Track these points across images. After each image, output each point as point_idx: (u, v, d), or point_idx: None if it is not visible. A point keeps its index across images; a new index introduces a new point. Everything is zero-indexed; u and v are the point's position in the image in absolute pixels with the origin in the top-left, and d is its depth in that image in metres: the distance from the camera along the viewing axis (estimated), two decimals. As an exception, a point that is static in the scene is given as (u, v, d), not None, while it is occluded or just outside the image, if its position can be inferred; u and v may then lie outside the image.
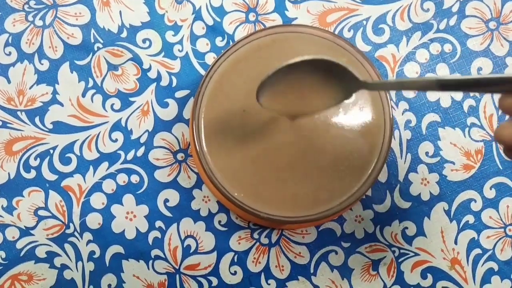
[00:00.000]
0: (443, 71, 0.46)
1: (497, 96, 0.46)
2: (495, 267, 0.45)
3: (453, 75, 0.28)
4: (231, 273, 0.45)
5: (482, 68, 0.46)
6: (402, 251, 0.45)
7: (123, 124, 0.45)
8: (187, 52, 0.46)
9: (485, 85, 0.26)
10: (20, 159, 0.44)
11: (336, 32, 0.46)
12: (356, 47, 0.39)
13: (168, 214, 0.45)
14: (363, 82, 0.31)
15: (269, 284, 0.45)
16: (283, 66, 0.31)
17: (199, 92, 0.38)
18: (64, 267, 0.44)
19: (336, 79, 0.32)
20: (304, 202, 0.39)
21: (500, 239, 0.46)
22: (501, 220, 0.46)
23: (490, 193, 0.46)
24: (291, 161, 0.39)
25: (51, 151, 0.44)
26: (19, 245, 0.44)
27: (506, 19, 0.47)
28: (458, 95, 0.46)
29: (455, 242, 0.45)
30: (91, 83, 0.45)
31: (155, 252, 0.44)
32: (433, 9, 0.47)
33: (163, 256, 0.44)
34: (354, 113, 0.39)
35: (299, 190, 0.39)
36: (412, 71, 0.46)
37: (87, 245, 0.44)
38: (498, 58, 0.46)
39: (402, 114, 0.46)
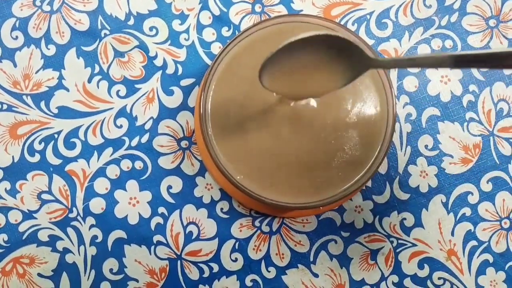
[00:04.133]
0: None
1: (496, 91, 0.47)
2: (490, 259, 0.46)
3: (467, 51, 0.26)
4: (232, 259, 0.45)
5: (482, 64, 0.47)
6: (400, 241, 0.46)
7: (128, 111, 0.45)
8: (193, 41, 0.46)
9: (499, 59, 0.25)
10: (24, 143, 0.45)
11: (340, 26, 0.47)
12: (361, 38, 0.39)
13: (171, 200, 0.45)
14: (373, 60, 0.29)
15: (269, 272, 0.45)
16: (285, 45, 0.29)
17: (207, 77, 0.39)
18: (66, 251, 0.44)
19: (343, 58, 0.29)
20: (306, 189, 0.40)
21: (495, 231, 0.47)
22: (497, 213, 0.47)
23: (486, 187, 0.47)
24: (294, 148, 0.40)
25: (56, 135, 0.45)
26: (21, 228, 0.44)
27: (506, 17, 0.48)
28: (458, 90, 0.47)
29: (452, 234, 0.46)
30: (97, 69, 0.45)
31: (157, 237, 0.45)
32: (435, 5, 0.48)
33: (165, 242, 0.45)
34: (358, 104, 0.40)
35: (301, 177, 0.40)
36: (413, 66, 0.47)
37: (89, 229, 0.44)
38: (497, 55, 0.47)
39: (403, 107, 0.47)
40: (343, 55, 0.29)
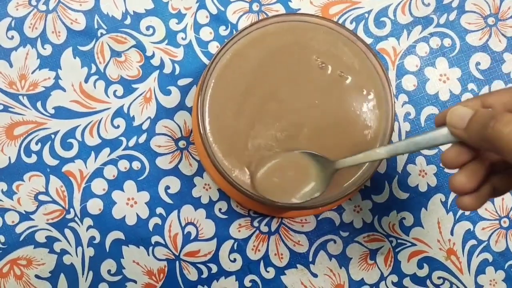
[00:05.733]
0: (442, 65, 0.47)
1: (495, 89, 0.47)
2: (490, 258, 0.46)
3: (395, 143, 0.33)
4: (230, 260, 0.45)
5: (480, 63, 0.47)
6: (399, 241, 0.46)
7: (126, 111, 0.45)
8: (190, 40, 0.46)
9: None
10: (21, 144, 0.44)
11: (339, 24, 0.46)
12: (359, 37, 0.39)
13: (169, 201, 0.45)
14: (335, 162, 0.36)
15: (268, 272, 0.45)
16: (275, 162, 0.38)
17: (205, 76, 0.38)
18: (63, 252, 0.44)
19: (319, 167, 0.38)
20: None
21: (495, 230, 0.46)
22: (496, 212, 0.47)
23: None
24: (292, 148, 0.39)
25: (53, 136, 0.44)
26: (18, 229, 0.44)
27: (505, 15, 0.48)
28: (456, 89, 0.47)
29: (451, 233, 0.46)
30: (94, 69, 0.45)
31: (155, 238, 0.44)
32: (434, 3, 0.47)
33: (163, 242, 0.45)
34: (356, 103, 0.40)
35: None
36: (412, 64, 0.47)
37: (87, 230, 0.44)
38: (496, 54, 0.47)
39: (402, 106, 0.47)
40: (318, 164, 0.38)
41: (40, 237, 0.44)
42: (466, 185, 0.29)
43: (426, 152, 0.46)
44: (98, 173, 0.44)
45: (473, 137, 0.28)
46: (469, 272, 0.46)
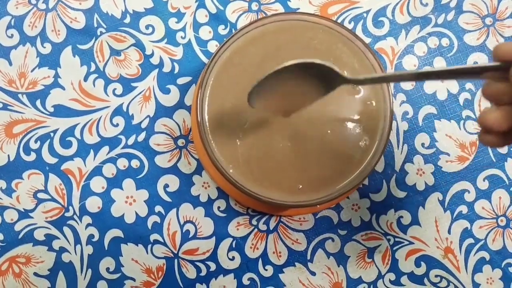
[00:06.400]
0: (440, 64, 0.47)
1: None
2: (487, 256, 0.46)
3: (431, 68, 0.30)
4: (229, 258, 0.45)
5: (478, 62, 0.47)
6: (397, 239, 0.46)
7: (125, 109, 0.45)
8: (189, 39, 0.46)
9: (455, 74, 0.28)
10: (20, 142, 0.44)
11: (337, 24, 0.47)
12: (358, 37, 0.39)
13: (167, 199, 0.45)
14: (345, 78, 0.33)
15: (266, 270, 0.45)
16: (271, 73, 0.33)
17: (204, 75, 0.38)
18: (62, 250, 0.44)
19: (321, 76, 0.33)
20: (303, 187, 0.40)
21: (492, 229, 0.47)
22: (493, 211, 0.47)
23: (483, 185, 0.47)
24: (291, 146, 0.40)
25: (52, 134, 0.44)
26: (17, 227, 0.44)
27: (502, 16, 0.48)
28: (454, 89, 0.47)
29: (449, 232, 0.46)
30: (93, 68, 0.45)
31: (154, 236, 0.45)
32: (432, 3, 0.48)
33: (162, 240, 0.45)
34: (355, 104, 0.40)
35: (298, 176, 0.40)
36: (410, 64, 0.47)
37: (86, 228, 0.44)
38: (494, 53, 0.48)
39: (400, 105, 0.47)
40: (321, 73, 0.33)
41: (39, 235, 0.44)
42: (500, 124, 0.27)
43: (423, 151, 0.47)
44: (97, 171, 0.45)
45: None
46: (466, 271, 0.46)
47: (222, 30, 0.46)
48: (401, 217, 0.46)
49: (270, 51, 0.40)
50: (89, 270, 0.44)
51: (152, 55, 0.46)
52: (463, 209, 0.47)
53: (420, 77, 0.29)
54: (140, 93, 0.45)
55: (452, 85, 0.47)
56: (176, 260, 0.45)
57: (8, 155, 0.44)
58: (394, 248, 0.46)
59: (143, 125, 0.45)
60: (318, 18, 0.40)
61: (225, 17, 0.46)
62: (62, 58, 0.45)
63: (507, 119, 0.28)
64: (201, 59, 0.46)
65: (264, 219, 0.46)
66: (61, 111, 0.45)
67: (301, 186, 0.39)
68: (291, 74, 0.33)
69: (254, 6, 0.47)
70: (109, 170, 0.45)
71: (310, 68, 0.33)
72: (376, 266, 0.46)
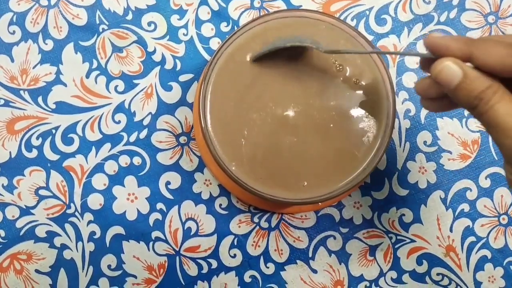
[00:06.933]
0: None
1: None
2: (489, 254, 0.46)
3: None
4: (230, 256, 0.45)
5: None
6: (398, 237, 0.46)
7: (127, 106, 0.45)
8: (192, 36, 0.46)
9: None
10: (22, 138, 0.44)
11: (339, 21, 0.46)
12: (361, 33, 0.39)
13: (169, 196, 0.45)
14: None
15: (268, 268, 0.45)
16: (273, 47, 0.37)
17: (206, 72, 0.38)
18: (64, 247, 0.44)
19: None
20: (306, 184, 0.40)
21: (494, 227, 0.47)
22: (495, 209, 0.47)
23: (485, 183, 0.47)
24: (293, 144, 0.39)
25: (53, 131, 0.44)
26: (19, 224, 0.44)
27: (505, 14, 0.48)
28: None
29: (451, 230, 0.46)
30: (95, 64, 0.45)
31: (155, 233, 0.45)
32: (435, 1, 0.48)
33: (163, 238, 0.45)
34: (357, 102, 0.40)
35: (300, 173, 0.40)
36: (412, 62, 0.47)
37: (87, 225, 0.44)
38: (496, 52, 0.48)
39: (402, 103, 0.47)
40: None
41: (41, 231, 0.44)
42: (427, 92, 0.31)
43: (426, 149, 0.47)
44: (98, 168, 0.45)
45: (460, 100, 0.28)
46: (468, 269, 0.46)
47: (224, 27, 0.46)
48: (403, 215, 0.46)
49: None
50: (91, 267, 0.44)
51: (154, 52, 0.46)
52: (465, 207, 0.47)
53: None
54: (142, 90, 0.45)
55: (455, 83, 0.47)
56: (177, 258, 0.45)
57: (10, 152, 0.44)
58: (396, 246, 0.46)
59: (145, 122, 0.45)
60: (320, 15, 0.40)
61: (227, 14, 0.46)
62: (64, 55, 0.45)
63: (431, 87, 0.30)
64: (203, 56, 0.46)
65: (265, 216, 0.46)
66: (63, 108, 0.45)
67: (305, 183, 0.39)
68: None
69: (257, 3, 0.47)
70: (111, 167, 0.45)
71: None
72: (378, 264, 0.46)
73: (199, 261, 0.45)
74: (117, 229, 0.44)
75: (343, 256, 0.46)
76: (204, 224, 0.45)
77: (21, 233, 0.44)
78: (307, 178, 0.40)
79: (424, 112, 0.47)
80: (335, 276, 0.46)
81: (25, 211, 0.44)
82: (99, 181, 0.44)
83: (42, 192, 0.44)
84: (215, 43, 0.46)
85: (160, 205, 0.45)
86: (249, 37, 0.39)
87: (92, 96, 0.45)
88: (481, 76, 0.27)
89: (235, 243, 0.45)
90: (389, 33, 0.47)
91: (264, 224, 0.46)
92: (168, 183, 0.45)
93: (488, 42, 0.28)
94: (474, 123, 0.47)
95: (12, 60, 0.45)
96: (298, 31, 0.40)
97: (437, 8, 0.48)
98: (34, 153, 0.44)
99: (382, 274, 0.46)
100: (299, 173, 0.40)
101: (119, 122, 0.45)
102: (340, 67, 0.40)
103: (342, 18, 0.47)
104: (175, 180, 0.45)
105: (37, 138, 0.44)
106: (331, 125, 0.40)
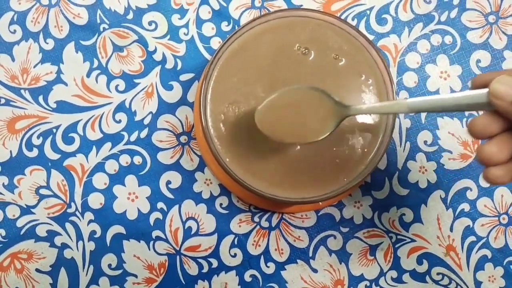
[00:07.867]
0: (443, 62, 0.47)
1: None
2: (489, 254, 0.46)
3: (422, 98, 0.30)
4: (231, 255, 0.45)
5: (481, 60, 0.47)
6: (399, 237, 0.46)
7: (127, 106, 0.45)
8: (192, 36, 0.46)
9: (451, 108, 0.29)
10: (22, 138, 0.44)
11: (340, 21, 0.46)
12: (361, 33, 0.39)
13: (170, 195, 0.45)
14: (348, 108, 0.34)
15: (268, 267, 0.45)
16: (278, 95, 0.35)
17: (207, 71, 0.38)
18: (64, 246, 0.44)
19: (326, 105, 0.35)
20: (306, 184, 0.40)
21: (494, 227, 0.47)
22: (496, 209, 0.47)
23: (485, 183, 0.47)
24: (294, 144, 0.40)
25: (54, 130, 0.44)
26: (19, 223, 0.44)
27: (505, 13, 0.48)
28: (457, 87, 0.47)
29: (451, 229, 0.46)
30: (96, 64, 0.45)
31: (156, 233, 0.45)
32: (435, 1, 0.48)
33: (164, 237, 0.45)
34: (358, 99, 0.40)
35: (301, 172, 0.40)
36: (413, 61, 0.47)
37: (88, 224, 0.44)
38: (497, 51, 0.48)
39: (402, 103, 0.47)
40: (325, 103, 0.35)
41: (41, 231, 0.44)
42: (497, 155, 0.27)
43: (426, 148, 0.47)
44: (99, 167, 0.45)
45: None
46: (468, 268, 0.46)
47: (225, 26, 0.46)
48: (403, 214, 0.46)
49: (273, 46, 0.40)
50: (91, 267, 0.44)
51: (155, 51, 0.46)
52: (465, 207, 0.47)
53: (411, 109, 0.30)
54: (143, 89, 0.45)
55: (455, 83, 0.47)
56: (178, 257, 0.45)
57: (11, 151, 0.44)
58: (396, 246, 0.46)
59: (146, 122, 0.45)
60: (321, 14, 0.40)
61: (228, 14, 0.46)
62: (65, 54, 0.45)
63: (503, 148, 0.27)
64: (204, 55, 0.46)
65: (266, 216, 0.46)
66: (63, 107, 0.45)
67: (306, 183, 0.39)
68: (300, 96, 0.35)
69: (257, 3, 0.47)
70: (112, 167, 0.45)
71: (315, 93, 0.34)
72: (378, 263, 0.46)
73: (200, 260, 0.45)
74: (118, 229, 0.44)
75: (343, 256, 0.46)
76: (204, 223, 0.45)
77: (22, 232, 0.44)
78: (307, 177, 0.40)
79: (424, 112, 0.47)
80: (335, 275, 0.46)
81: (26, 210, 0.44)
82: (100, 181, 0.44)
83: (43, 191, 0.44)
84: (216, 43, 0.46)
85: (160, 205, 0.45)
86: (250, 37, 0.39)
87: (92, 96, 0.45)
88: None
89: (236, 243, 0.45)
90: (389, 33, 0.47)
91: (265, 224, 0.46)
92: (168, 182, 0.45)
93: None
94: (475, 123, 0.47)
95: (13, 59, 0.45)
96: (299, 30, 0.40)
97: (437, 8, 0.48)
98: (35, 152, 0.44)
99: (382, 273, 0.46)
100: (300, 172, 0.40)
101: (119, 121, 0.45)
102: (338, 58, 0.40)
103: (342, 17, 0.47)
104: (175, 179, 0.45)
105: (38, 137, 0.44)
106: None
